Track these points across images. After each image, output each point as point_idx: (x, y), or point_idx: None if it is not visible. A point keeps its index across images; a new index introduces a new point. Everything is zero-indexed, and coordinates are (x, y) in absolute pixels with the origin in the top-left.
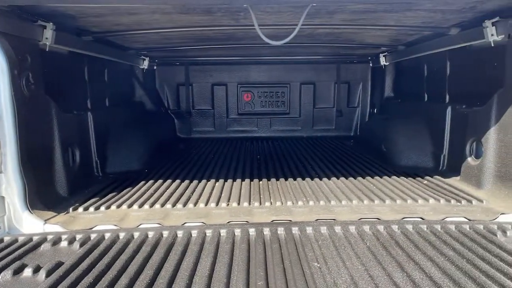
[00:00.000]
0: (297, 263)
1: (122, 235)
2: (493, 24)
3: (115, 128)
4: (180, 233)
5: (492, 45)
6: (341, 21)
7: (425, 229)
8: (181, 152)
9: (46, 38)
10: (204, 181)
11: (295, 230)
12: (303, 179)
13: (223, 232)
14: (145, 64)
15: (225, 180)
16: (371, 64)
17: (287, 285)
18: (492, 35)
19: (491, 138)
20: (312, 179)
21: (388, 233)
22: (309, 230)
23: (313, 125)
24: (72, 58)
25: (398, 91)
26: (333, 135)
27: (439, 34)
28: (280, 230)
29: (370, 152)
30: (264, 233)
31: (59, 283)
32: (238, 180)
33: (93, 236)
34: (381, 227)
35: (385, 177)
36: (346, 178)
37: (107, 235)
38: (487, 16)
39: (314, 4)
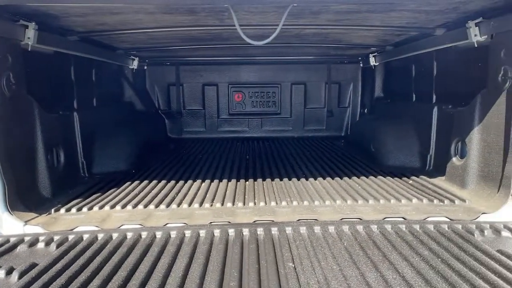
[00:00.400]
0: (273, 263)
1: (100, 236)
2: (476, 24)
3: (102, 128)
4: (159, 234)
5: (476, 45)
6: (326, 22)
7: (404, 229)
8: (171, 153)
9: (28, 38)
10: (190, 181)
11: (274, 230)
12: (290, 179)
13: (202, 232)
14: (135, 64)
15: (211, 181)
16: (361, 65)
17: (260, 285)
18: (475, 35)
19: (475, 138)
20: (298, 179)
21: (367, 233)
22: (288, 230)
23: (304, 125)
24: (58, 58)
25: (388, 91)
26: (324, 135)
27: (425, 35)
28: (260, 231)
29: (359, 152)
30: (244, 233)
31: (30, 284)
32: (225, 181)
33: (71, 237)
34: (360, 227)
35: (371, 177)
36: (333, 178)
37: (86, 236)
38: (471, 17)
39: (295, 4)
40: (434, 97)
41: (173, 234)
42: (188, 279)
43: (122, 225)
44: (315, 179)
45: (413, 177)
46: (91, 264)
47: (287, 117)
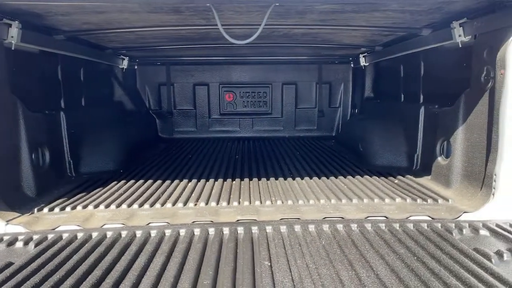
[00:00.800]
0: (250, 262)
1: (80, 235)
2: (460, 25)
3: (91, 128)
4: (139, 233)
5: (460, 45)
6: (313, 22)
7: (384, 228)
8: (161, 153)
9: (12, 37)
10: (176, 181)
11: (255, 229)
12: (276, 179)
13: (182, 232)
14: (125, 64)
15: (198, 180)
16: (352, 65)
17: (235, 283)
18: (459, 36)
19: (459, 137)
20: (285, 179)
21: (346, 232)
22: (269, 229)
23: (295, 125)
24: (44, 57)
25: (377, 91)
26: (315, 135)
27: (413, 35)
28: (240, 230)
29: (348, 152)
30: (224, 232)
31: (4, 283)
32: (211, 180)
33: (50, 236)
34: (340, 226)
35: (358, 176)
36: (319, 178)
37: (65, 236)
38: (455, 17)
39: (277, 4)
40: (422, 97)
41: (153, 233)
42: (163, 278)
43: (104, 224)
44: (302, 178)
45: (399, 177)
46: (67, 263)
47: (278, 117)
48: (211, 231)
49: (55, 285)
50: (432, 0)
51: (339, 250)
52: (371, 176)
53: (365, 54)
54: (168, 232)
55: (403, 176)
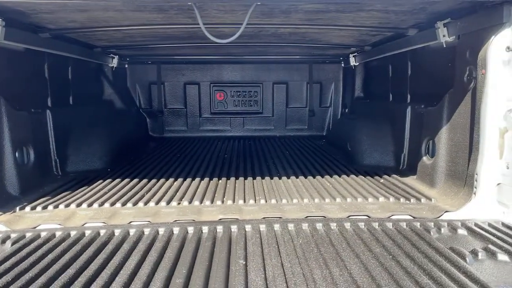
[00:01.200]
0: (225, 260)
1: (58, 234)
2: (444, 25)
3: (78, 126)
4: (117, 232)
5: (444, 46)
6: (299, 21)
7: (362, 227)
8: (150, 152)
9: None
10: (162, 180)
11: (234, 228)
12: (263, 178)
13: (161, 230)
14: (115, 63)
15: (184, 179)
16: (342, 64)
17: (208, 282)
18: (444, 36)
19: (443, 137)
20: (271, 178)
21: (325, 231)
22: (248, 228)
23: (286, 125)
24: (29, 55)
25: (367, 91)
26: (306, 134)
27: (400, 35)
28: (219, 229)
29: (337, 151)
30: (203, 231)
31: None
32: (197, 179)
33: (28, 235)
34: (319, 225)
35: (344, 176)
36: (305, 177)
37: (43, 234)
38: (440, 18)
39: (258, 3)
40: (409, 97)
41: (132, 232)
42: (136, 277)
43: (85, 223)
44: (288, 178)
45: (385, 176)
46: (41, 262)
47: (269, 116)
48: (190, 230)
49: (27, 284)
50: (414, 0)
51: (316, 249)
52: (357, 176)
53: (355, 54)
54: (147, 231)
55: (389, 176)
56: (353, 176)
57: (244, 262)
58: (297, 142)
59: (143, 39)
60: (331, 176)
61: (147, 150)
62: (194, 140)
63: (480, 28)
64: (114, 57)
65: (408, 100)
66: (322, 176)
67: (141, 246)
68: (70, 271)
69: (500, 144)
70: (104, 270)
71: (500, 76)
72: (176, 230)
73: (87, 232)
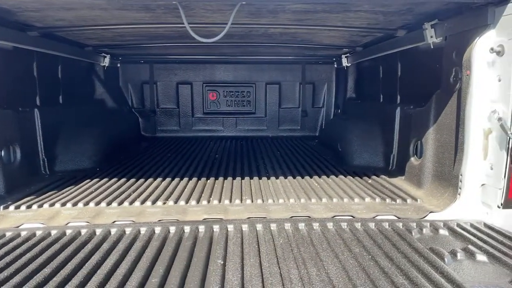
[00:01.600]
0: (204, 260)
1: (38, 233)
2: (432, 26)
3: (68, 126)
4: (98, 231)
5: (432, 47)
6: (289, 21)
7: (345, 227)
8: (141, 151)
9: None
10: (150, 179)
11: (216, 228)
12: (251, 178)
13: (143, 230)
14: (106, 62)
15: (172, 179)
16: (335, 65)
17: (183, 282)
18: (431, 37)
19: (430, 138)
20: (260, 178)
21: (307, 231)
22: (230, 228)
23: (279, 125)
24: (18, 53)
25: (359, 92)
26: (299, 135)
27: (389, 36)
28: (201, 228)
29: (328, 152)
30: (185, 231)
31: None
32: (185, 179)
33: (8, 234)
34: (302, 225)
35: (333, 176)
36: (294, 178)
37: (23, 233)
38: (428, 19)
39: (243, 2)
40: (399, 97)
41: (113, 231)
42: (113, 277)
43: (69, 222)
44: (277, 178)
45: (374, 177)
46: (18, 261)
47: (261, 116)
48: (172, 229)
49: (1, 283)
50: (400, 1)
51: (296, 248)
52: (345, 176)
53: (347, 54)
54: (128, 230)
55: (378, 176)
56: (341, 176)
57: (222, 262)
58: (290, 143)
59: (134, 38)
60: (319, 177)
61: (139, 150)
62: (187, 140)
63: (465, 30)
64: (106, 56)
65: (398, 101)
66: (311, 177)
67: (121, 246)
68: (46, 270)
69: (484, 145)
70: (81, 269)
71: (484, 77)
72: (157, 229)
73: (68, 232)
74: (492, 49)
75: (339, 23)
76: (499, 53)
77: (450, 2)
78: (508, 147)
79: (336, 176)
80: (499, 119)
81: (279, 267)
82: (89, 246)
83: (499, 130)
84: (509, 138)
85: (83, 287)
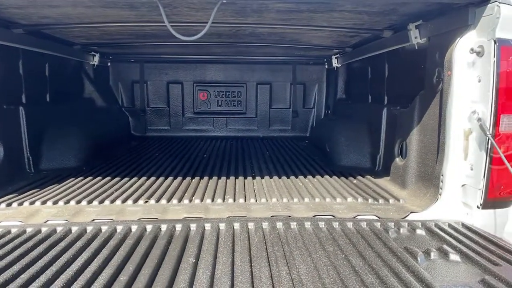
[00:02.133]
0: (176, 258)
1: (13, 231)
2: (416, 27)
3: (54, 124)
4: (74, 229)
5: (416, 47)
6: (274, 21)
7: (322, 226)
8: (130, 150)
9: None
10: (135, 178)
11: (193, 227)
12: (236, 177)
13: (119, 228)
14: (96, 60)
15: (157, 178)
16: (326, 66)
17: (152, 280)
18: (415, 37)
19: (414, 138)
20: (245, 178)
21: (284, 230)
22: (207, 227)
23: (270, 126)
24: (2, 51)
25: (348, 92)
26: (289, 135)
27: (376, 37)
28: (178, 227)
29: (318, 152)
30: (162, 229)
31: None
32: (170, 178)
33: None
34: (279, 224)
35: (318, 176)
36: (279, 178)
37: None
38: (412, 20)
39: (224, 1)
40: (386, 98)
41: (89, 229)
42: (82, 275)
43: (48, 220)
44: (262, 178)
45: (359, 177)
46: None
47: (252, 116)
48: (149, 228)
49: None
50: (383, 1)
51: (271, 247)
52: (331, 177)
53: (337, 55)
54: (104, 228)
55: (363, 177)
56: (327, 177)
57: (194, 260)
58: (280, 143)
59: (122, 37)
60: (305, 177)
61: (128, 149)
62: (176, 140)
63: (448, 30)
64: (95, 55)
65: (385, 102)
66: (296, 177)
67: (95, 244)
68: (15, 267)
69: (465, 146)
70: (50, 267)
71: (465, 77)
72: (134, 228)
73: (44, 229)
74: (472, 49)
75: (324, 23)
76: (479, 54)
77: (432, 3)
78: (487, 148)
79: (322, 176)
80: (479, 119)
81: (251, 266)
82: (62, 244)
83: (479, 130)
84: (488, 139)
85: (50, 285)
